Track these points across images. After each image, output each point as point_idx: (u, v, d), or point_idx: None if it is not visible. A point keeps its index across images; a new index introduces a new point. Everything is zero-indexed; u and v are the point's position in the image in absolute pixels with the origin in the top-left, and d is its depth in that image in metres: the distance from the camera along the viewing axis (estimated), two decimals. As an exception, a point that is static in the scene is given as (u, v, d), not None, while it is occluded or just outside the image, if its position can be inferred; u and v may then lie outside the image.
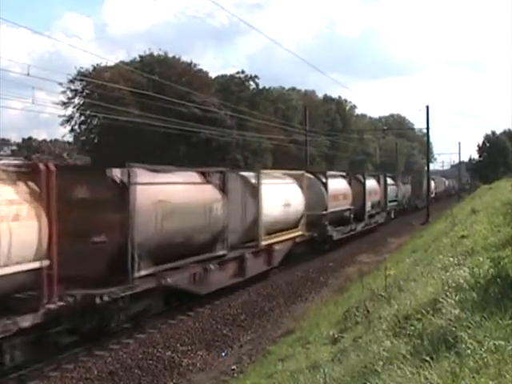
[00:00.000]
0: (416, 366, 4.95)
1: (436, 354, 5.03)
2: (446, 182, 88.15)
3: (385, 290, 10.42)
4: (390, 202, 43.58)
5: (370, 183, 36.59)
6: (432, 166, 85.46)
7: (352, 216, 31.57)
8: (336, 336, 9.34)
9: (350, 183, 32.13)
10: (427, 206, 45.75)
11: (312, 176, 27.01)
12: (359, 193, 33.22)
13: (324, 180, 27.41)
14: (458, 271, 7.87)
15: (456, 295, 6.43)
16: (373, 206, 36.73)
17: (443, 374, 4.57)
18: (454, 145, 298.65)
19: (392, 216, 44.80)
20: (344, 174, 33.20)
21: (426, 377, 4.64)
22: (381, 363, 5.50)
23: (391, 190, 44.27)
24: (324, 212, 26.72)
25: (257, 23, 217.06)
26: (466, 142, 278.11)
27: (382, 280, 11.87)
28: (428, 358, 4.98)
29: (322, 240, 26.50)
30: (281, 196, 21.46)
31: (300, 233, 23.52)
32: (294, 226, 22.87)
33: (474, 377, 4.38)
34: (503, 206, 18.88)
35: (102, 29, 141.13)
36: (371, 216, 36.56)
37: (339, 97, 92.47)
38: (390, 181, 44.40)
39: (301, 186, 23.85)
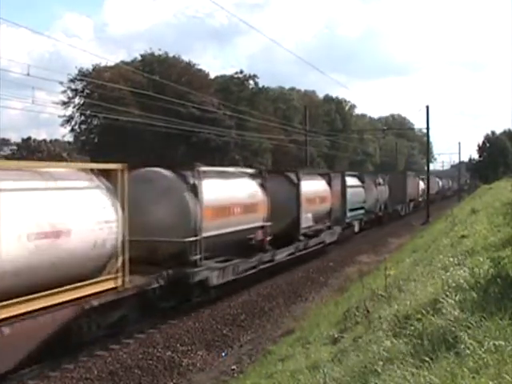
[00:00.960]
0: (416, 366, 4.95)
1: (436, 354, 5.03)
2: (440, 183, 79.59)
3: (385, 290, 10.42)
4: (352, 210, 31.97)
5: (312, 185, 25.32)
6: (432, 166, 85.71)
7: (268, 238, 19.95)
8: (336, 336, 9.34)
9: (262, 186, 20.16)
10: (427, 206, 45.78)
11: (167, 173, 15.67)
12: (288, 200, 22.25)
13: (192, 181, 15.68)
14: (458, 271, 7.87)
15: (456, 295, 6.43)
16: (317, 220, 25.23)
17: (443, 375, 4.57)
18: (454, 145, 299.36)
19: (356, 229, 33.11)
20: (253, 171, 21.09)
21: (426, 377, 4.64)
22: (381, 363, 5.50)
23: (354, 193, 32.44)
24: (191, 238, 15.20)
25: (257, 23, 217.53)
26: (466, 142, 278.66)
27: (382, 280, 11.88)
28: (428, 358, 4.98)
29: (182, 290, 15.07)
30: (28, 217, 10.25)
31: (110, 285, 12.24)
32: (91, 273, 11.79)
33: (473, 377, 4.37)
34: (503, 205, 18.90)
35: (101, 29, 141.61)
36: (313, 234, 24.99)
37: (337, 97, 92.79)
38: (352, 181, 33.18)
39: (114, 194, 12.42)
